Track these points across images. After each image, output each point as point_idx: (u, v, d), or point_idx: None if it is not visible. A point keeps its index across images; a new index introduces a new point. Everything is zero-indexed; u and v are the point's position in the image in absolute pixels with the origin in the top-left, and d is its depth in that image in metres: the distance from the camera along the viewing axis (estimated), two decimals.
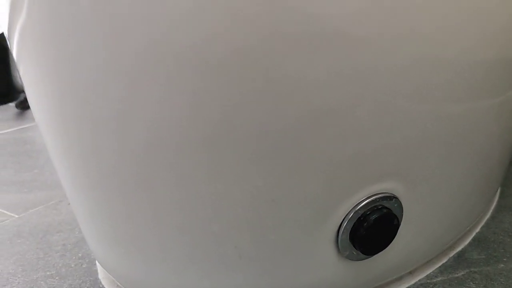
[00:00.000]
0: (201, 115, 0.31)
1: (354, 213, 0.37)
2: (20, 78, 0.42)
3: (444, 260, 0.51)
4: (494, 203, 0.63)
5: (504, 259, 0.51)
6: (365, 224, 0.37)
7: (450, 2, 0.34)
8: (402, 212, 0.40)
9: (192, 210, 0.36)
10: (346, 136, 0.34)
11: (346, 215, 0.37)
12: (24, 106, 1.36)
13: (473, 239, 0.55)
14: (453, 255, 0.52)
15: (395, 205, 0.39)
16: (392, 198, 0.39)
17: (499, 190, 0.66)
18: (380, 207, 0.38)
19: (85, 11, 0.30)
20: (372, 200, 0.38)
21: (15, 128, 1.22)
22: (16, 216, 0.71)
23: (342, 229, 0.37)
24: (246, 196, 0.34)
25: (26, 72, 0.39)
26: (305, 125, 0.32)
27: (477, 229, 0.57)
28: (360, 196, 0.37)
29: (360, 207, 0.37)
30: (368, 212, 0.38)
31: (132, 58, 0.31)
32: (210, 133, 0.32)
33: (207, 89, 0.31)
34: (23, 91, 1.53)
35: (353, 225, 0.38)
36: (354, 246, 0.38)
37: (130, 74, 0.31)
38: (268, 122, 0.32)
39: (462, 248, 0.53)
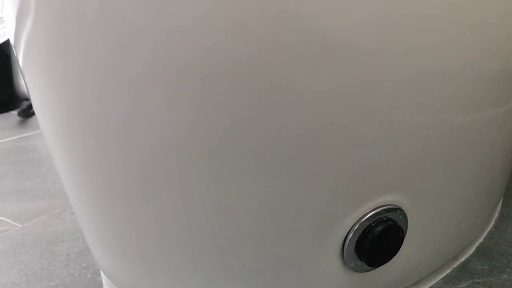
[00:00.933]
0: (205, 127, 0.32)
1: (360, 225, 0.37)
2: (26, 85, 0.43)
3: (448, 271, 0.51)
4: (497, 213, 0.64)
5: (508, 270, 0.51)
6: (370, 236, 0.38)
7: (453, 16, 0.34)
8: (407, 223, 0.40)
9: (197, 221, 0.36)
10: (351, 148, 0.34)
11: (352, 227, 0.37)
12: (26, 114, 1.36)
13: (476, 250, 0.55)
14: (457, 266, 0.52)
15: (400, 217, 0.39)
16: (397, 210, 0.39)
17: (501, 200, 0.66)
18: (385, 219, 0.38)
19: (90, 22, 0.30)
20: (377, 212, 0.38)
21: (17, 137, 1.22)
22: (20, 225, 0.71)
23: (348, 241, 0.38)
24: (251, 208, 0.35)
25: (31, 78, 0.39)
26: (310, 137, 0.32)
27: (480, 240, 0.57)
28: (366, 208, 0.37)
29: (366, 219, 0.37)
30: (373, 224, 0.38)
31: (136, 69, 0.31)
32: (215, 145, 0.32)
33: (211, 101, 0.31)
34: (25, 99, 1.53)
35: (358, 237, 0.38)
36: (359, 258, 0.39)
37: (134, 86, 0.32)
38: (272, 134, 0.32)
39: (466, 259, 0.53)
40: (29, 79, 0.40)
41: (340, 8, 0.30)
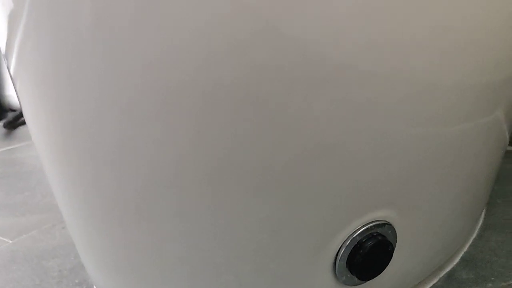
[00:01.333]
0: (203, 150, 0.32)
1: (351, 240, 0.39)
2: (16, 93, 0.42)
3: (435, 281, 0.53)
4: (480, 222, 0.66)
5: (492, 278, 0.52)
6: (361, 251, 0.39)
7: (445, 39, 0.36)
8: (396, 238, 0.42)
9: (194, 241, 0.36)
10: (345, 169, 0.35)
11: (343, 243, 0.39)
12: (12, 126, 1.34)
13: (462, 259, 0.57)
14: (443, 276, 0.54)
15: (389, 231, 0.41)
16: (386, 225, 0.40)
17: (484, 210, 0.68)
18: (375, 234, 0.39)
19: (84, 34, 0.31)
20: (368, 228, 0.39)
21: (3, 149, 1.21)
22: (10, 241, 0.71)
23: (340, 256, 0.39)
24: (248, 228, 0.36)
25: (23, 87, 0.39)
26: (306, 159, 0.34)
27: (465, 249, 0.59)
28: (357, 224, 0.39)
29: (357, 235, 0.39)
30: (364, 240, 0.39)
31: (131, 91, 0.31)
32: (213, 167, 0.33)
33: (208, 123, 0.31)
34: (10, 110, 1.51)
35: (350, 252, 0.39)
36: (350, 272, 0.40)
37: (130, 108, 0.32)
38: (269, 156, 0.33)
39: (452, 268, 0.55)
40: (20, 88, 0.40)
41: (337, 32, 0.31)
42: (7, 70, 0.41)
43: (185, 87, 0.31)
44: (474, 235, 0.62)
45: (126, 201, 0.37)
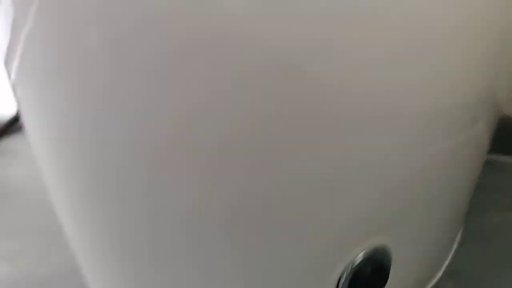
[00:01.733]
0: (217, 197, 0.34)
1: (351, 268, 0.42)
2: (17, 101, 0.41)
3: None
4: (459, 234, 0.70)
5: None
6: (361, 276, 0.42)
7: (438, 84, 0.38)
8: (391, 260, 0.45)
9: (208, 278, 0.39)
10: (345, 206, 0.38)
11: (344, 270, 0.42)
12: None
13: (445, 271, 0.61)
14: None
15: (386, 255, 0.44)
16: (382, 249, 0.44)
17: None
18: (373, 259, 0.43)
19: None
20: (366, 253, 0.42)
21: None
22: (7, 267, 0.71)
23: (341, 283, 0.42)
24: (257, 263, 0.38)
25: (24, 95, 0.39)
26: (311, 198, 0.36)
27: (447, 261, 0.63)
28: (356, 252, 0.42)
29: (356, 262, 0.42)
30: (362, 265, 0.42)
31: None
32: (227, 214, 0.35)
33: (222, 173, 0.34)
34: None
35: (350, 279, 0.42)
36: None
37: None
38: (276, 200, 0.35)
39: (437, 281, 0.59)
40: (21, 96, 0.39)
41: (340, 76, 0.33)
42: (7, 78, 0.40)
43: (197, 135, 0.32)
44: (455, 247, 0.66)
45: (139, 239, 0.39)
